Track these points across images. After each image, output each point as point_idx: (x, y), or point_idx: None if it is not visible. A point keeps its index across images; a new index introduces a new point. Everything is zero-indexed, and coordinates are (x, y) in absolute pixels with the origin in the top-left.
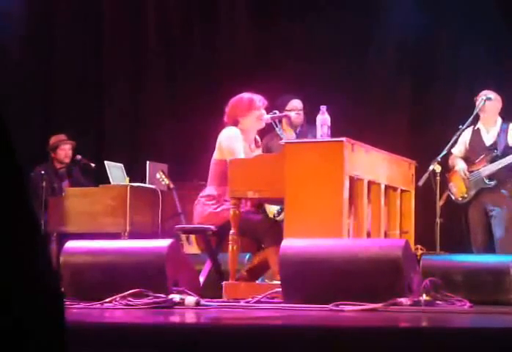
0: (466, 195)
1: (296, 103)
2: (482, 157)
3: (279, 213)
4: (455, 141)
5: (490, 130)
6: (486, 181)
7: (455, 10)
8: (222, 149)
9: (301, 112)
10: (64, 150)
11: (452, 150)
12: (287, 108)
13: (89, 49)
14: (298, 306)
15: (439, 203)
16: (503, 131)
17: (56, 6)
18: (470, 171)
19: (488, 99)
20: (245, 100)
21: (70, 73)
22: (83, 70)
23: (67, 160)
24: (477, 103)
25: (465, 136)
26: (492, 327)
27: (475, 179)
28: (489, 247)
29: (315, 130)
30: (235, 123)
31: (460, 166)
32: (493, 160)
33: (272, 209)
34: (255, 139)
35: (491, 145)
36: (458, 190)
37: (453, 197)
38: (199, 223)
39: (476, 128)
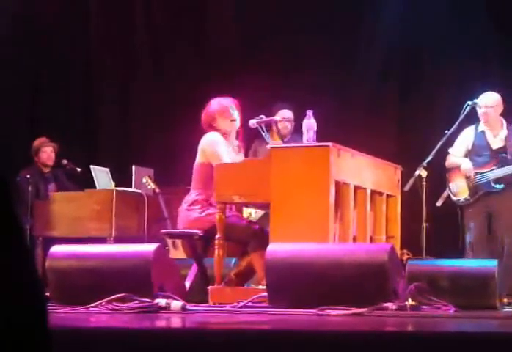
0: (468, 197)
1: (288, 114)
2: (490, 160)
3: (251, 214)
4: (442, 147)
5: (497, 133)
6: (493, 185)
7: (442, 13)
8: (206, 154)
9: (290, 123)
10: (46, 153)
11: (450, 150)
12: (276, 116)
13: (78, 52)
14: (284, 311)
15: (438, 203)
16: (511, 134)
17: (43, 6)
18: (475, 173)
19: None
20: (210, 106)
21: (58, 77)
22: (70, 74)
23: (50, 163)
24: (480, 110)
25: (466, 138)
26: (477, 331)
27: (482, 181)
28: (490, 252)
29: (301, 139)
30: (212, 129)
31: (466, 165)
32: (502, 164)
33: (246, 210)
34: (239, 143)
35: (500, 148)
36: (460, 190)
37: (453, 198)
38: (185, 227)
39: (481, 131)
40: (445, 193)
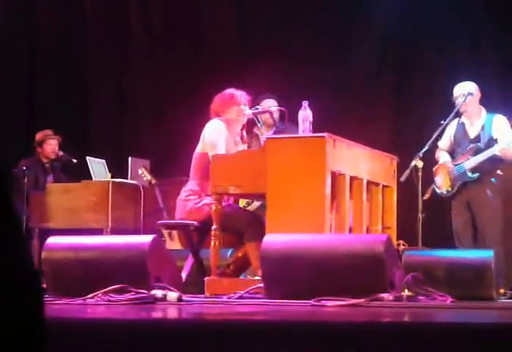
0: (450, 188)
1: (270, 103)
2: (466, 150)
3: (248, 204)
4: (438, 136)
5: (474, 122)
6: (469, 174)
7: (436, 6)
8: (205, 141)
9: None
10: (51, 145)
11: (438, 143)
12: (260, 106)
13: (73, 45)
14: (280, 302)
15: (425, 197)
16: (488, 124)
17: (38, 2)
18: (455, 165)
19: (470, 94)
20: (226, 96)
21: (54, 69)
22: (67, 67)
23: (53, 156)
24: (458, 100)
25: (450, 130)
26: (473, 322)
27: (459, 172)
28: (473, 240)
29: (293, 128)
30: (218, 117)
31: (444, 158)
32: (476, 153)
33: (242, 200)
34: (241, 134)
35: (475, 138)
36: (443, 183)
37: (438, 191)
38: (181, 218)
39: (461, 122)
40: (431, 187)
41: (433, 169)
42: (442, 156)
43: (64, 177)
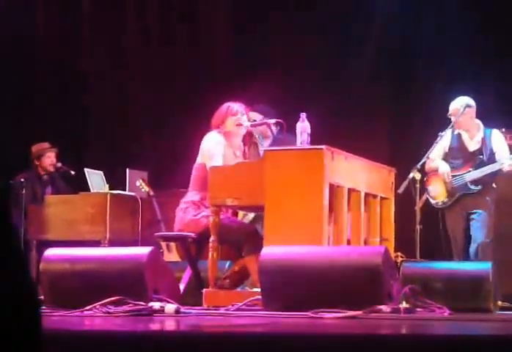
0: (446, 199)
1: (252, 115)
2: (467, 162)
3: (243, 216)
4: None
5: (474, 136)
6: (470, 186)
7: (431, 14)
8: (203, 153)
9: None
10: (50, 158)
11: (430, 155)
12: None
13: (68, 57)
14: (278, 314)
15: (417, 206)
16: (487, 137)
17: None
18: (452, 176)
19: (468, 106)
20: (223, 107)
21: (50, 81)
22: (62, 78)
23: (52, 168)
24: (453, 109)
25: (443, 141)
26: (471, 334)
27: (458, 184)
28: (469, 252)
29: (289, 139)
30: (218, 129)
31: (444, 168)
32: (478, 166)
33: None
34: (243, 150)
35: (476, 151)
36: (438, 194)
37: (432, 201)
38: (179, 230)
39: (456, 133)
40: (424, 197)
41: (425, 179)
42: (441, 165)
43: (65, 187)
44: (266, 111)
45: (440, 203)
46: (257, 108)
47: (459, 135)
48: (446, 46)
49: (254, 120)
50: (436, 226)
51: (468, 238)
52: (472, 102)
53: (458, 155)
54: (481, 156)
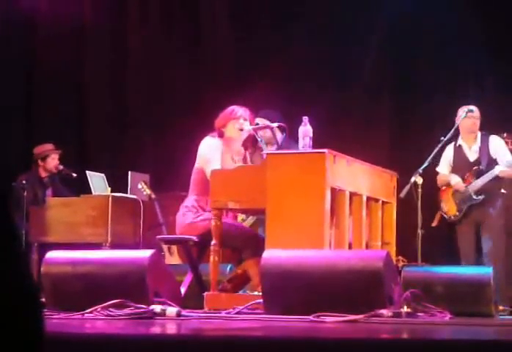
0: (457, 213)
1: (258, 121)
2: (468, 173)
3: (243, 220)
4: (437, 154)
5: (472, 146)
6: (474, 197)
7: (431, 21)
8: (200, 157)
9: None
10: (55, 160)
11: (438, 169)
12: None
13: (72, 58)
14: (279, 318)
15: (433, 224)
16: (484, 145)
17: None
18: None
19: (470, 111)
20: (228, 110)
21: (51, 82)
22: (64, 80)
23: (55, 170)
24: (458, 116)
25: (447, 154)
26: (472, 339)
27: (464, 195)
28: (480, 263)
29: (292, 144)
30: (220, 134)
31: (455, 180)
32: (478, 176)
33: (239, 216)
34: (244, 155)
35: (475, 161)
36: (449, 208)
37: (446, 216)
38: (181, 233)
39: (458, 145)
40: (438, 214)
41: (439, 195)
42: (453, 178)
43: (64, 190)
44: (273, 116)
45: (452, 217)
46: (263, 114)
47: (460, 146)
48: (448, 52)
49: (257, 124)
50: (438, 231)
51: (479, 250)
52: (474, 108)
53: (461, 167)
54: (480, 165)
